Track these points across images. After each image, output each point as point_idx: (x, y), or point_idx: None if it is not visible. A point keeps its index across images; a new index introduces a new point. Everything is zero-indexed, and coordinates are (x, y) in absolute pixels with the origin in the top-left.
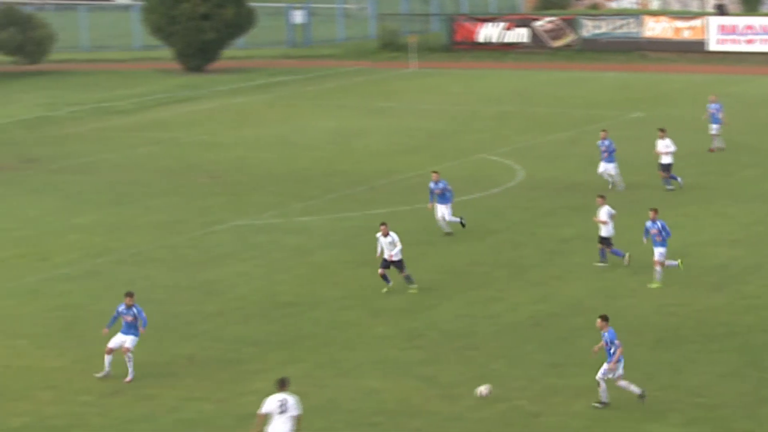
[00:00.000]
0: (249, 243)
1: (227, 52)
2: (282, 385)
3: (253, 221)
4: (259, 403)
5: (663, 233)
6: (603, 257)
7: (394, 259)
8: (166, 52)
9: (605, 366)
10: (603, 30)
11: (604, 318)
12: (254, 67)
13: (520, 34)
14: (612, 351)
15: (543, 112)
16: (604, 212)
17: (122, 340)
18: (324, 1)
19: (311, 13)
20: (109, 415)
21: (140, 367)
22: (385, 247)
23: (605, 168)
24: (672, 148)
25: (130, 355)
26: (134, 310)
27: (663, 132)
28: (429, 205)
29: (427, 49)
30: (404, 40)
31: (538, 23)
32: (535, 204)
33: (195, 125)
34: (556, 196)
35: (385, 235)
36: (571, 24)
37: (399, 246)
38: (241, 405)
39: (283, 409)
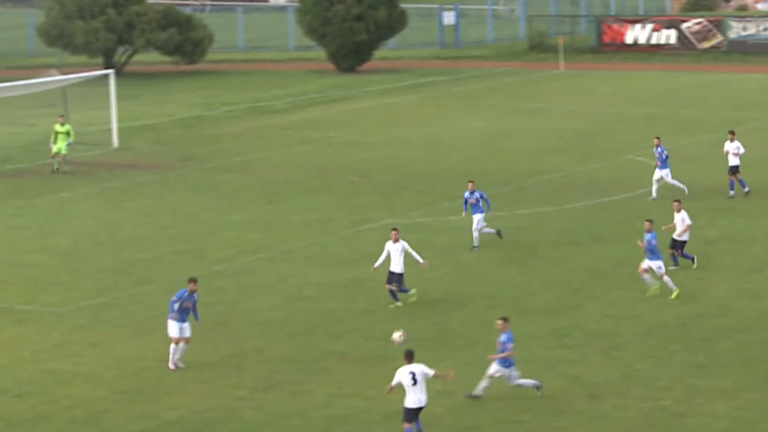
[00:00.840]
0: None
1: (378, 52)
2: (409, 358)
3: (402, 220)
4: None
5: (654, 243)
6: (675, 261)
7: (397, 271)
8: (320, 52)
9: (495, 366)
10: (750, 32)
11: (505, 319)
12: (405, 67)
13: (668, 36)
14: (501, 351)
15: (689, 114)
16: (679, 218)
17: (180, 328)
18: (474, 2)
19: (461, 15)
20: (262, 410)
21: (293, 363)
22: (392, 254)
23: (660, 175)
24: (742, 150)
25: (186, 345)
26: (195, 296)
27: (732, 134)
28: (463, 214)
29: (574, 50)
30: (553, 41)
31: (685, 25)
32: (683, 205)
33: (347, 125)
34: (702, 197)
35: (396, 241)
36: (719, 26)
37: (414, 252)
38: (390, 402)
39: (414, 380)
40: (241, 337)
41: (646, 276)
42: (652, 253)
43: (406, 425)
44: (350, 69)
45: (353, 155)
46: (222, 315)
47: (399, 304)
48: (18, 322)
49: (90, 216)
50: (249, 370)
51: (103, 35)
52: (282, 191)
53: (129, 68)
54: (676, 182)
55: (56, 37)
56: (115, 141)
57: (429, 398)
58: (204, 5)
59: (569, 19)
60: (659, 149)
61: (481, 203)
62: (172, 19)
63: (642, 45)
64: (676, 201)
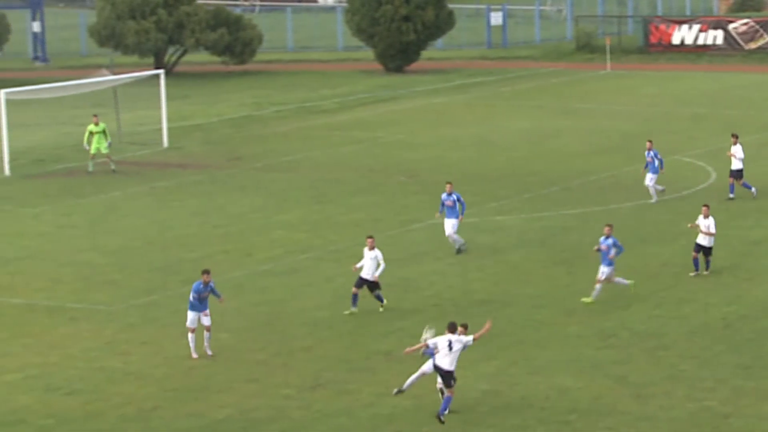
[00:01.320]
0: (445, 241)
1: (426, 52)
2: (452, 329)
3: None
4: (458, 399)
5: (612, 251)
6: (697, 267)
7: (371, 279)
8: (368, 53)
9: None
10: None
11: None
12: (452, 67)
13: (714, 36)
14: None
15: (735, 115)
16: (707, 223)
17: (198, 318)
18: (522, 2)
19: (508, 15)
20: (310, 409)
21: (340, 363)
22: (366, 261)
23: (651, 179)
24: (740, 154)
25: (210, 333)
26: (211, 285)
27: (736, 138)
28: (437, 215)
29: (621, 51)
30: (600, 41)
31: (732, 25)
32: (727, 206)
33: (394, 125)
34: (748, 198)
35: (371, 248)
36: (766, 26)
37: (382, 265)
38: (436, 401)
39: (450, 347)
40: (289, 336)
41: (598, 287)
42: (604, 258)
43: (449, 392)
44: (398, 69)
45: (401, 155)
46: (269, 314)
47: (354, 310)
48: (69, 320)
49: (140, 215)
50: (296, 369)
51: (154, 35)
52: (330, 191)
53: (179, 68)
54: (657, 187)
55: (107, 37)
56: (165, 141)
57: (474, 399)
58: (253, 6)
59: (616, 19)
60: (651, 153)
61: (457, 206)
62: (221, 19)
63: (689, 45)
64: (705, 206)
